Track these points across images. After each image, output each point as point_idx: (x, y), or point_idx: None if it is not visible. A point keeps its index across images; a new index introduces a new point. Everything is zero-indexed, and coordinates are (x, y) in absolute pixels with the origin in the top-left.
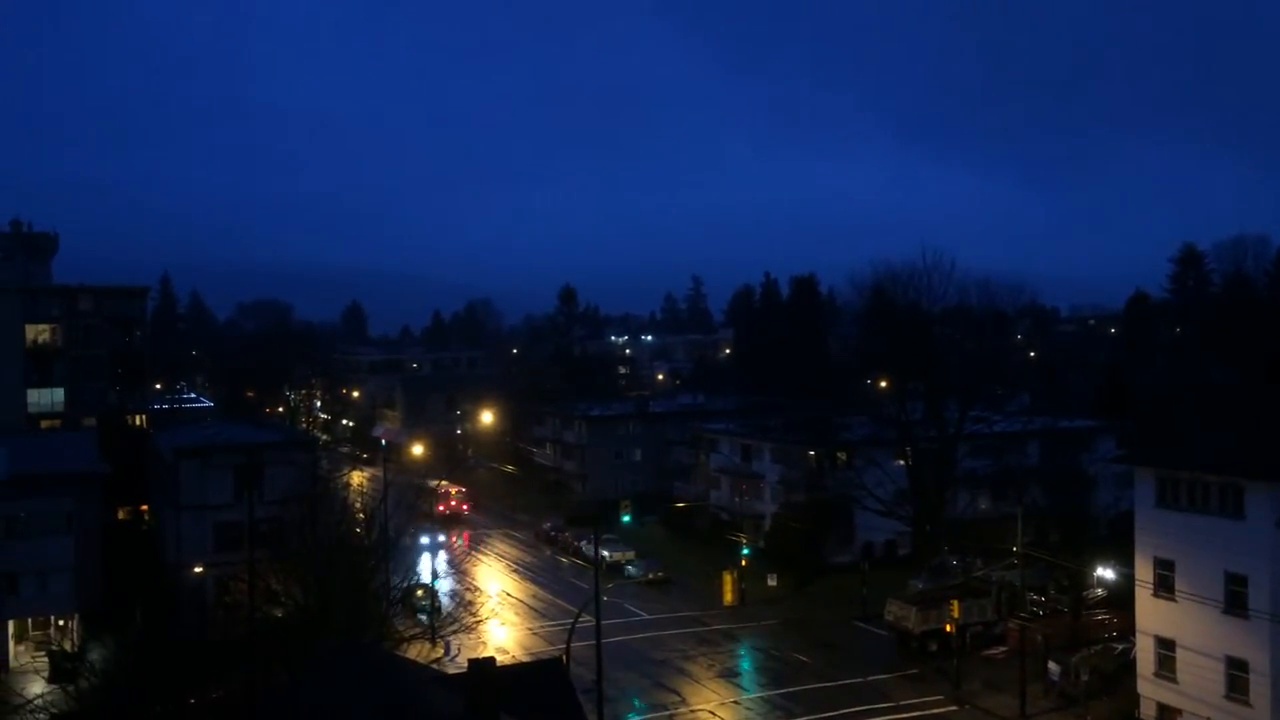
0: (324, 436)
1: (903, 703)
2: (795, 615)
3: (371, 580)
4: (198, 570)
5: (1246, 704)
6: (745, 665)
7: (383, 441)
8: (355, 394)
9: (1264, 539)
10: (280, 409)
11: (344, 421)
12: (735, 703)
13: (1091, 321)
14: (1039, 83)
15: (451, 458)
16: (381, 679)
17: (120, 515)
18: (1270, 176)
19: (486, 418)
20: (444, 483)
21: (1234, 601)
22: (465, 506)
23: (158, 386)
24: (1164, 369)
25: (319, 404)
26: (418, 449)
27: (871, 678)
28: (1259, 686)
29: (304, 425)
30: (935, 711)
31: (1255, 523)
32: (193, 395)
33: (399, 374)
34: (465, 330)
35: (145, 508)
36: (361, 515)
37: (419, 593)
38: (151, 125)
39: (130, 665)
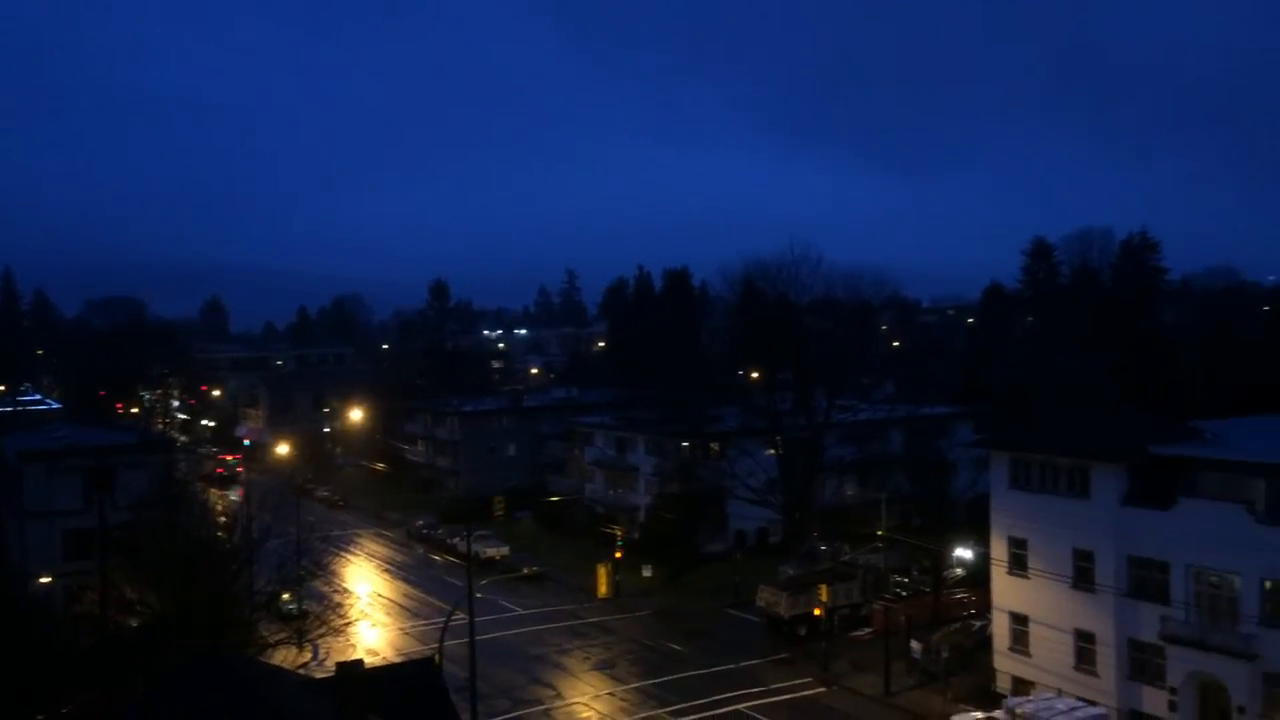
0: (182, 438)
1: (773, 686)
2: (669, 605)
3: (234, 585)
4: (45, 580)
5: (1094, 673)
6: (620, 657)
7: (245, 441)
8: (216, 393)
9: (1108, 516)
10: (135, 410)
11: (204, 422)
12: (610, 694)
13: (951, 312)
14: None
15: (319, 456)
16: (244, 687)
17: None
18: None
19: (356, 415)
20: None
21: (1081, 577)
22: (240, 470)
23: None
24: (1017, 357)
25: (176, 404)
26: (283, 449)
27: (744, 663)
28: (1105, 656)
29: (160, 426)
30: (805, 694)
31: (1100, 501)
32: (38, 396)
33: (263, 371)
34: (333, 326)
35: None
36: (223, 518)
37: (285, 596)
38: None
39: None
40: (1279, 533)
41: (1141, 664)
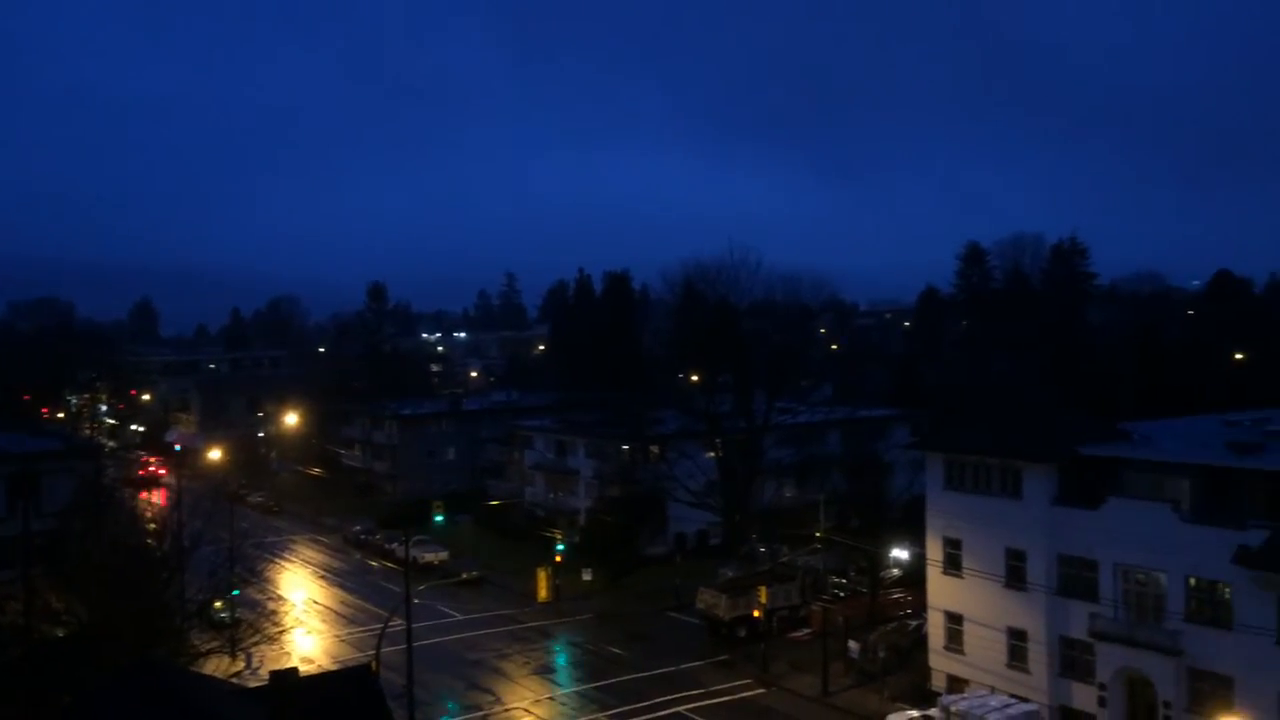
0: (110, 443)
1: (713, 688)
2: (610, 609)
3: (164, 593)
4: None
5: (1026, 670)
6: (560, 661)
7: (176, 447)
8: (146, 397)
9: (1040, 516)
10: (61, 415)
11: (133, 427)
12: (550, 699)
13: (888, 315)
14: (836, 85)
15: (253, 461)
16: (174, 697)
17: None
18: (1044, 179)
19: (291, 419)
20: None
21: (1014, 576)
22: (162, 472)
23: None
24: (952, 360)
25: (105, 408)
26: (216, 454)
27: (684, 666)
28: (1036, 653)
29: (88, 431)
30: (744, 695)
31: (1032, 501)
32: None
33: (195, 375)
34: (268, 329)
35: None
36: (153, 525)
37: (217, 604)
38: None
39: None
40: (1203, 531)
41: (1072, 661)
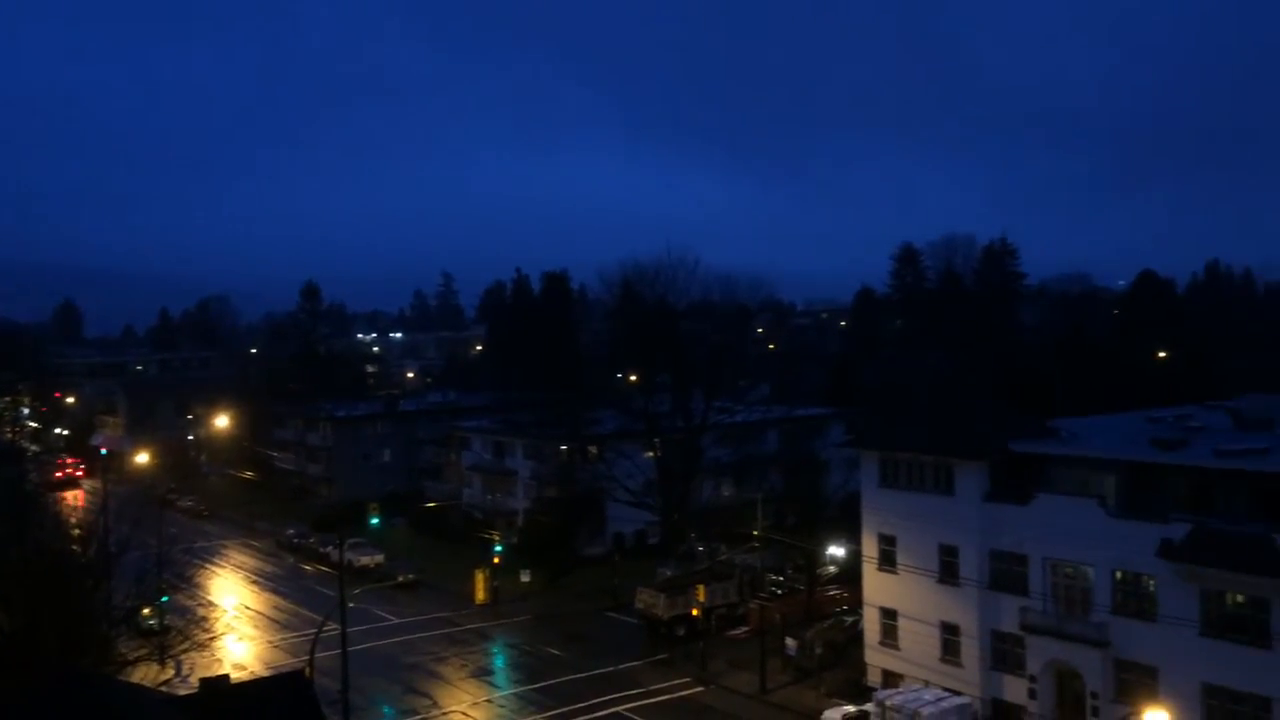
0: (33, 447)
1: (652, 687)
2: (548, 610)
3: (90, 600)
4: None
5: (959, 664)
6: (498, 663)
7: (102, 450)
8: (70, 400)
9: (972, 512)
10: None
11: (57, 430)
12: (488, 701)
13: (824, 315)
14: (774, 87)
15: (183, 465)
16: (99, 707)
17: None
18: (977, 181)
19: (222, 422)
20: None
21: (947, 571)
22: (79, 473)
23: None
24: (887, 358)
25: (27, 411)
26: (143, 457)
27: (622, 665)
28: (969, 647)
29: (9, 436)
30: (683, 694)
31: (964, 498)
32: None
33: (121, 377)
34: (198, 330)
35: None
36: (77, 531)
37: (145, 611)
38: None
39: None
40: (1128, 525)
41: (1003, 654)
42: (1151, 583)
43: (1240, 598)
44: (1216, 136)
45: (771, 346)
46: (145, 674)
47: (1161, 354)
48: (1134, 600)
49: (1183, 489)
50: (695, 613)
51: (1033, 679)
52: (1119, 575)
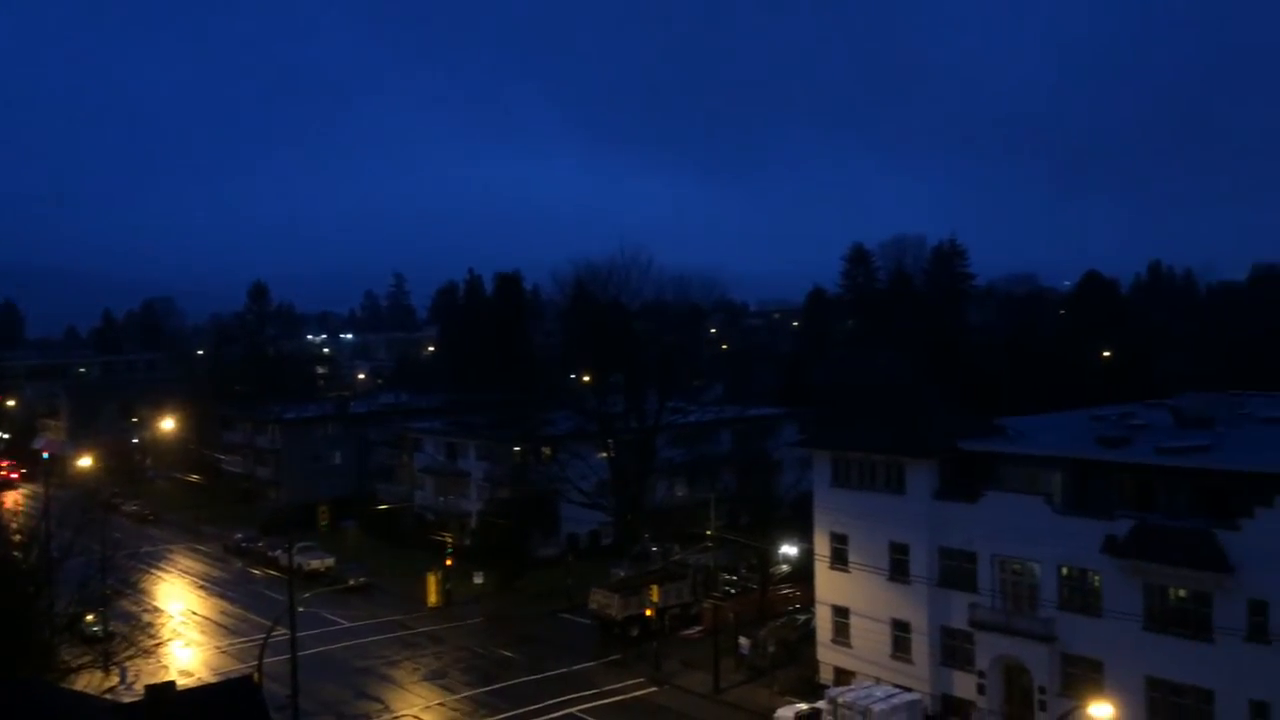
0: None
1: (606, 688)
2: (501, 612)
3: (31, 607)
4: None
5: (909, 661)
6: (451, 666)
7: (45, 454)
8: (11, 403)
9: (922, 510)
10: None
11: None
12: (441, 705)
13: (777, 315)
14: (725, 86)
15: (128, 469)
16: (41, 715)
17: None
18: (924, 182)
19: (168, 425)
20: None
21: (897, 569)
22: (15, 475)
23: None
24: (839, 358)
25: None
26: (87, 461)
27: (576, 666)
28: (919, 644)
29: None
30: (637, 694)
31: (914, 496)
32: None
33: (64, 379)
34: (143, 331)
35: None
36: (18, 536)
37: (89, 618)
38: None
39: None
40: (1074, 522)
41: (952, 650)
42: (1097, 578)
43: (1182, 592)
44: (1160, 141)
45: (724, 347)
46: (89, 681)
47: (1106, 353)
48: (1080, 596)
49: (1127, 486)
50: (649, 613)
51: (982, 674)
52: (1065, 571)
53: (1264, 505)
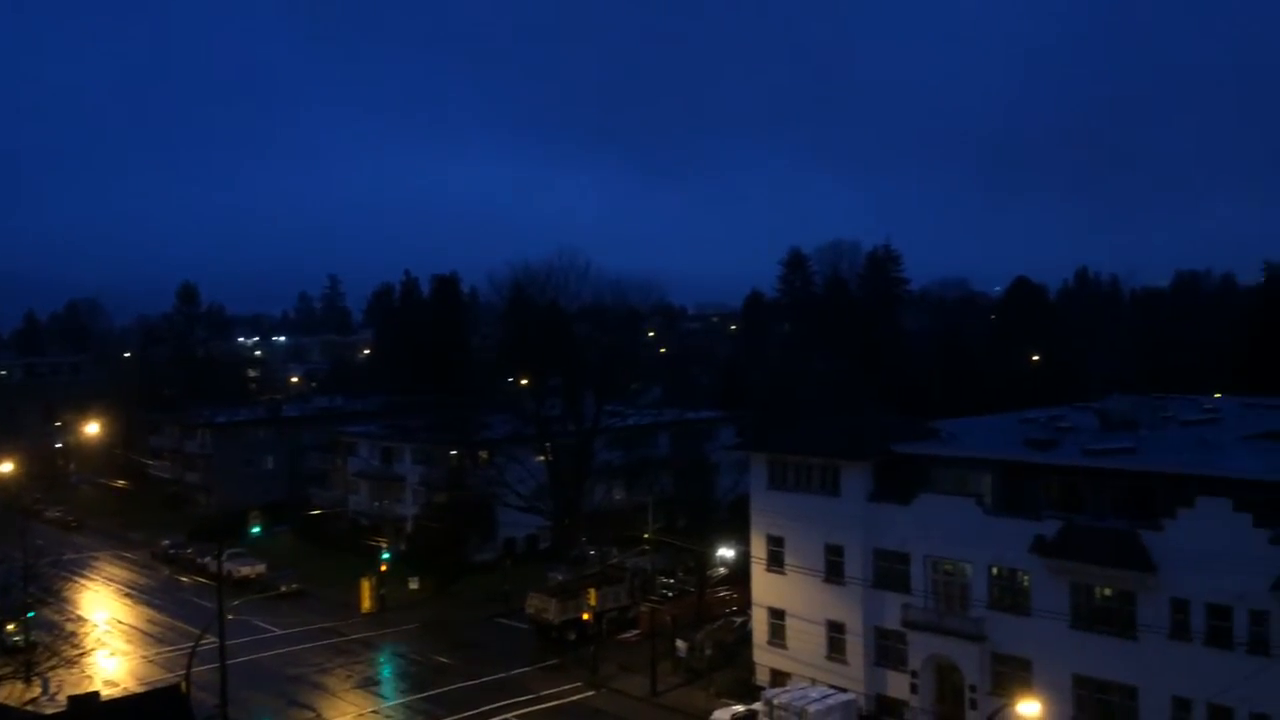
0: None
1: (543, 693)
2: (437, 617)
3: None
4: None
5: (844, 661)
6: (385, 672)
7: None
8: None
9: (857, 512)
10: None
11: None
12: (375, 712)
13: (715, 319)
14: (660, 88)
15: (50, 474)
16: None
17: None
18: (859, 187)
19: (93, 429)
20: None
21: (833, 570)
22: None
23: None
24: (776, 362)
25: None
26: (6, 466)
27: (513, 672)
28: (854, 645)
29: None
30: (574, 698)
31: (849, 498)
32: None
33: None
34: (66, 333)
35: None
36: None
37: (10, 627)
38: None
39: None
40: (1004, 523)
41: (886, 650)
42: (1026, 578)
43: (1108, 591)
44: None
45: (662, 350)
46: (10, 693)
47: (1034, 357)
48: (1009, 595)
49: (1055, 487)
50: (586, 617)
51: (914, 674)
52: (995, 571)
53: (1185, 506)
